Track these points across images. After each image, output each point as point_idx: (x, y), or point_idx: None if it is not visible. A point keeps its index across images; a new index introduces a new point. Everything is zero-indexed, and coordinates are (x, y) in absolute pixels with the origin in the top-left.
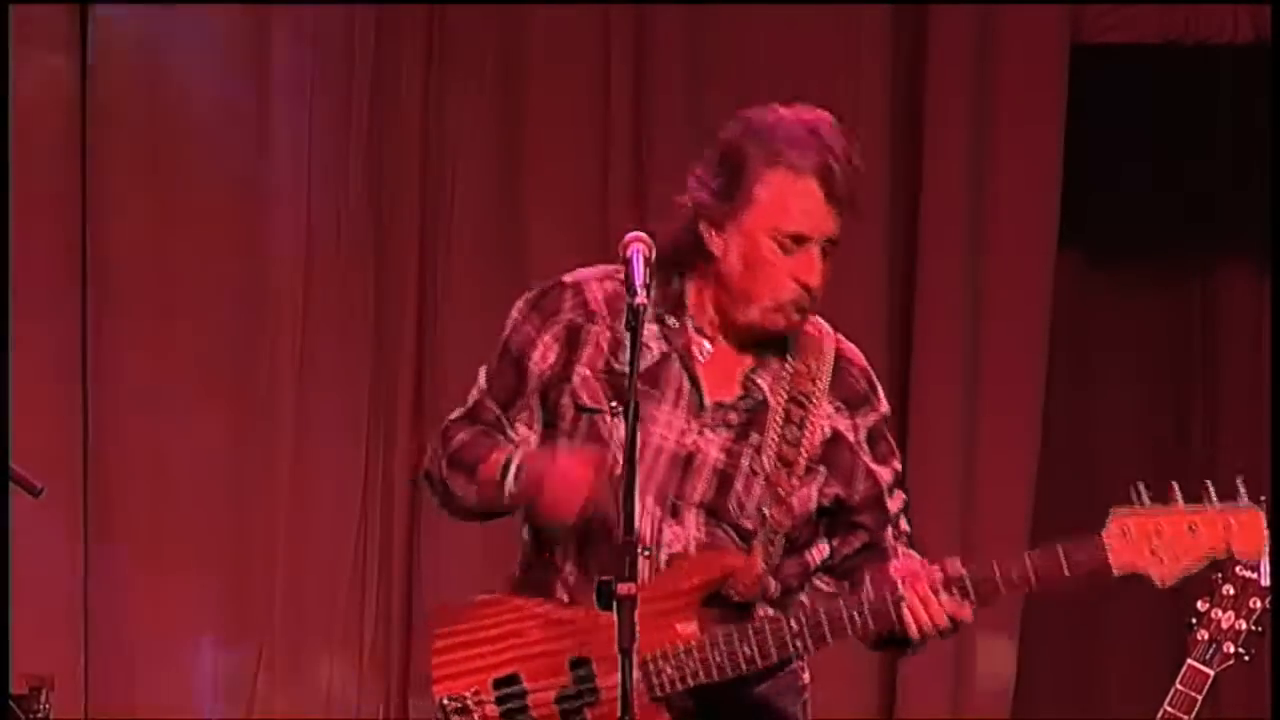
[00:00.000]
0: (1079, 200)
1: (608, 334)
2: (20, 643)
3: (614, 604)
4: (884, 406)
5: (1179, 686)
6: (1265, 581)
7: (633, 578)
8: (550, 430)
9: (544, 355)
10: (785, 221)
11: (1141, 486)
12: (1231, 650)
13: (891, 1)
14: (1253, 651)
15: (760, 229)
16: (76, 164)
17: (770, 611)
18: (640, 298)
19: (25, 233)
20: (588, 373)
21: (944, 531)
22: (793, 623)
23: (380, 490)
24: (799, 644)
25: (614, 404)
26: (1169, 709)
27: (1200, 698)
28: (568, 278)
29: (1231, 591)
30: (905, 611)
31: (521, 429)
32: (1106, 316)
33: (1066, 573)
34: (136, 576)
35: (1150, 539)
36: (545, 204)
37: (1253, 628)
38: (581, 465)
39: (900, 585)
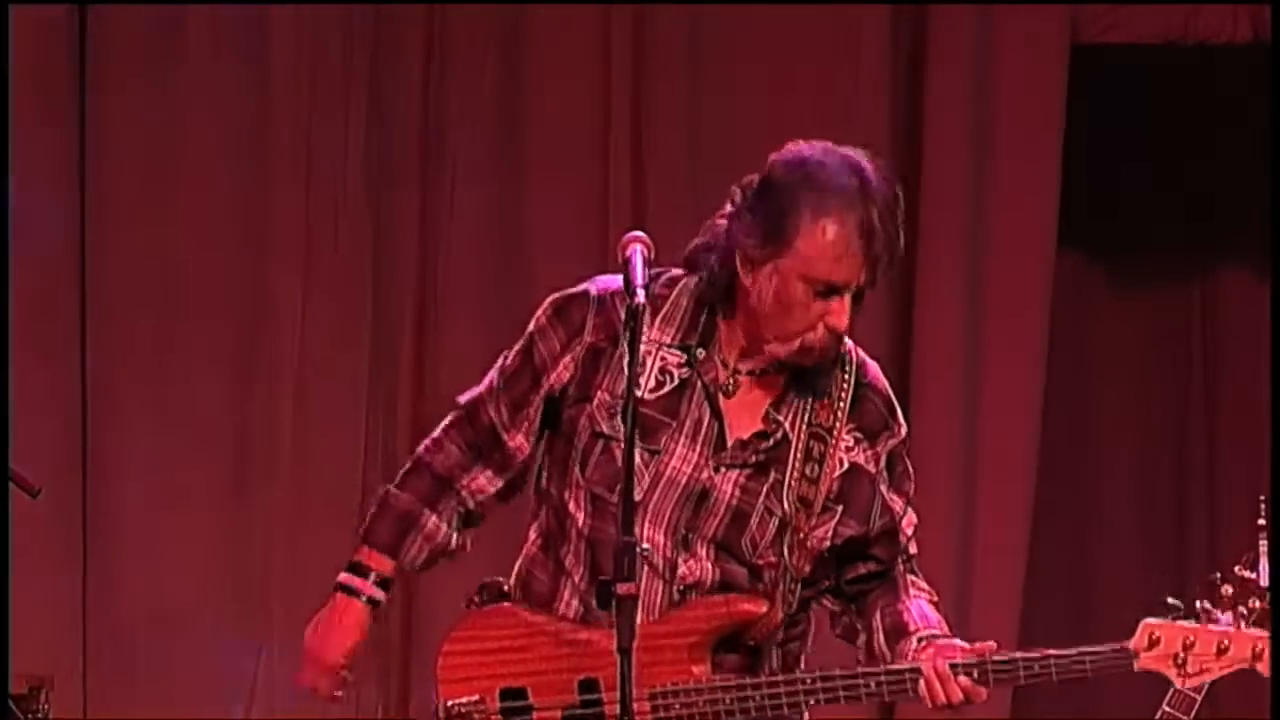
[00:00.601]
0: (1079, 200)
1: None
2: (20, 643)
3: (613, 603)
4: (903, 430)
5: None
6: (1265, 581)
7: (632, 577)
8: (568, 447)
9: (560, 375)
10: (822, 272)
11: (1174, 600)
12: None
13: (891, 1)
14: None
15: (796, 274)
16: (76, 164)
17: (783, 651)
18: (639, 298)
19: (25, 233)
20: (607, 397)
21: (944, 532)
22: (807, 681)
23: None
24: (810, 702)
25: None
26: (1168, 709)
27: (1199, 698)
28: (594, 289)
29: (1231, 592)
30: (921, 684)
31: (519, 438)
32: (1106, 316)
33: (1089, 674)
34: (136, 576)
35: (1178, 650)
36: (545, 204)
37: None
38: (332, 651)
39: (919, 655)
